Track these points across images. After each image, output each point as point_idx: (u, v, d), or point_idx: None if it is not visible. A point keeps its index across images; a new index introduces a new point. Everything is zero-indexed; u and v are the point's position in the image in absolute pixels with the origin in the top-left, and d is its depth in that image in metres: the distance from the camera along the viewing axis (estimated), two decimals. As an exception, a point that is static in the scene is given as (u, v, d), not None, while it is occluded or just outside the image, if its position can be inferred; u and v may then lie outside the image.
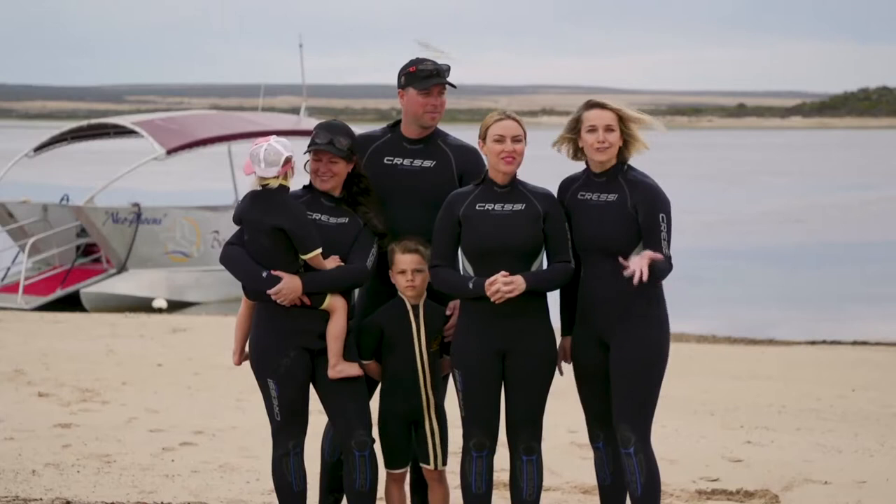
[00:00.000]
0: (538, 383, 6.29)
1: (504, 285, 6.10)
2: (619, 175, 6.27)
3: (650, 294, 6.23)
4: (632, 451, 6.18)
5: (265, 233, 6.24)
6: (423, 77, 6.54)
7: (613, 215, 6.22)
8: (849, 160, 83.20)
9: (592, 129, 6.24)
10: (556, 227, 6.26)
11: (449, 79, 6.59)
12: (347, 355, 6.34)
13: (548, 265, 6.30)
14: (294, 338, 6.29)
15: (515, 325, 6.24)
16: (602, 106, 6.25)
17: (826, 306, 22.70)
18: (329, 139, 6.31)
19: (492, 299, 6.12)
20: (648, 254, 6.06)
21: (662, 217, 6.19)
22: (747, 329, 19.72)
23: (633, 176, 6.27)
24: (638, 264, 6.02)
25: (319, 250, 6.24)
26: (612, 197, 6.25)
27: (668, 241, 6.21)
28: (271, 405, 6.34)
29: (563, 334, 6.44)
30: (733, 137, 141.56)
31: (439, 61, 6.61)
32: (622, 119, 6.26)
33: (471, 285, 6.19)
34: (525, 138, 6.29)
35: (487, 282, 6.13)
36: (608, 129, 6.23)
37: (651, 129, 6.36)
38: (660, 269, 6.10)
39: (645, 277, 6.00)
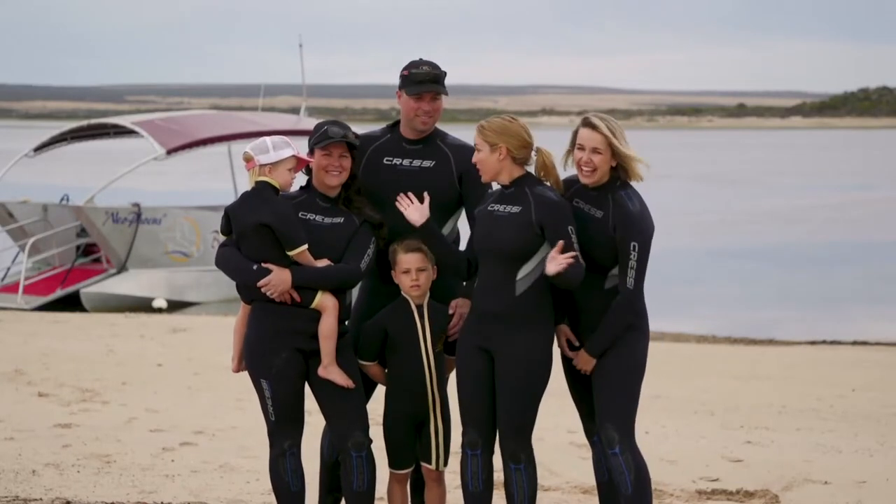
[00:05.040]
0: (523, 390, 6.22)
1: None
2: (610, 192, 6.23)
3: None
4: (618, 451, 6.19)
5: (252, 230, 6.25)
6: (416, 82, 6.54)
7: (596, 233, 6.20)
8: (849, 160, 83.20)
9: (580, 148, 6.23)
10: (553, 232, 6.13)
11: (447, 82, 6.59)
12: (345, 358, 6.34)
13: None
14: (286, 338, 6.29)
15: (497, 327, 6.21)
16: (593, 127, 6.20)
17: (826, 306, 22.70)
18: (343, 133, 6.34)
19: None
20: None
21: (634, 246, 6.14)
22: (747, 329, 19.72)
23: (621, 197, 6.20)
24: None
25: (305, 247, 6.24)
26: (598, 213, 6.23)
27: (638, 273, 6.15)
28: (266, 405, 6.35)
29: (559, 322, 6.38)
30: (733, 137, 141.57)
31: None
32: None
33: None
34: (492, 145, 6.22)
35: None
36: (594, 151, 6.19)
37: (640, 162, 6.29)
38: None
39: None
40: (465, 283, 6.54)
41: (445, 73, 6.61)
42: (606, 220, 6.19)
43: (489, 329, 6.23)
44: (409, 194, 6.38)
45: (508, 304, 6.19)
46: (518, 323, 6.20)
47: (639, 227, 6.16)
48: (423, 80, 6.53)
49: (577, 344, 6.33)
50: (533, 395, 6.24)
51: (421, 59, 6.62)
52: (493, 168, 6.25)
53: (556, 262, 6.03)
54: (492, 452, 6.37)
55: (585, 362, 6.26)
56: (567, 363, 6.42)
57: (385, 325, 6.46)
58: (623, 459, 6.19)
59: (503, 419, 6.26)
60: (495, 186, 6.43)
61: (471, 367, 6.29)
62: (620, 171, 6.24)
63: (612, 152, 6.19)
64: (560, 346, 6.38)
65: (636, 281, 6.17)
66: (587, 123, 6.22)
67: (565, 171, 6.39)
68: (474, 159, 6.30)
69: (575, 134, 6.28)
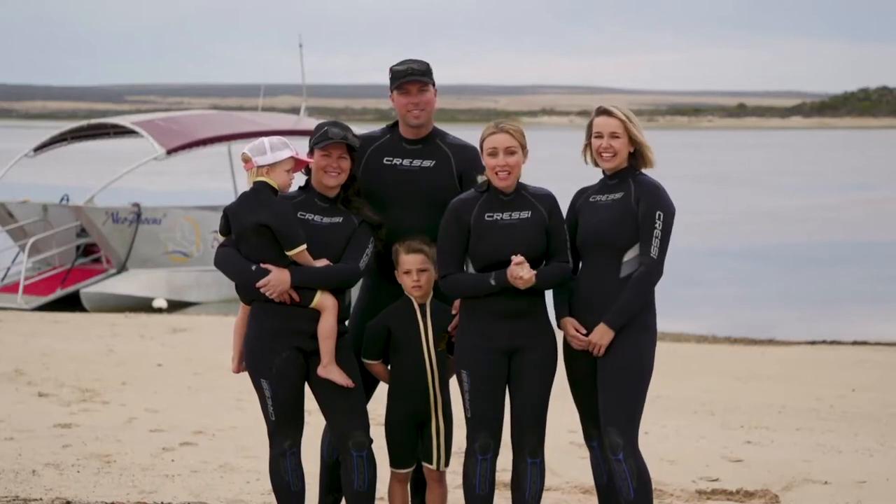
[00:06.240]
0: (543, 384, 6.30)
1: (524, 271, 6.09)
2: (630, 177, 6.31)
3: None
4: (621, 457, 6.18)
5: (251, 230, 6.25)
6: (398, 77, 6.58)
7: (616, 212, 6.25)
8: (849, 160, 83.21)
9: (599, 136, 6.30)
10: (557, 228, 6.28)
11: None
12: (344, 357, 6.34)
13: (547, 264, 6.30)
14: (286, 338, 6.29)
15: (522, 326, 6.26)
16: (608, 113, 6.28)
17: (826, 306, 22.71)
18: (343, 134, 6.34)
19: (517, 285, 6.12)
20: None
21: (659, 215, 6.19)
22: (747, 329, 19.72)
23: (643, 177, 6.32)
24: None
25: (304, 247, 6.24)
26: (618, 195, 6.29)
27: (662, 244, 6.19)
28: (266, 405, 6.35)
29: (564, 316, 6.37)
30: (733, 137, 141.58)
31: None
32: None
33: (493, 281, 6.18)
34: (523, 148, 6.27)
35: (511, 272, 6.12)
36: (613, 135, 6.26)
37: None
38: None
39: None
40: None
41: (429, 65, 6.63)
42: (627, 198, 6.24)
43: (516, 329, 6.24)
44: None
45: (533, 303, 6.25)
46: (540, 320, 6.29)
47: (664, 199, 6.23)
48: (405, 73, 6.56)
49: (583, 332, 6.31)
50: (550, 389, 6.32)
51: (405, 59, 6.67)
52: (520, 173, 6.30)
53: (524, 280, 6.12)
54: (497, 454, 6.37)
55: (602, 336, 6.19)
56: (569, 364, 6.41)
57: (388, 324, 6.46)
58: (626, 466, 6.18)
59: (528, 415, 6.27)
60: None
61: (486, 371, 6.26)
62: (638, 160, 6.32)
63: (629, 137, 6.26)
64: (570, 336, 6.34)
65: (660, 251, 6.19)
66: (602, 111, 6.32)
67: (587, 164, 6.43)
68: (510, 162, 6.21)
69: (590, 126, 6.35)
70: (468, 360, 6.29)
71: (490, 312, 6.25)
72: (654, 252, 6.19)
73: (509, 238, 6.21)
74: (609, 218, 6.24)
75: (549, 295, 6.39)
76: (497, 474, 6.45)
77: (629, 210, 6.23)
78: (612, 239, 6.23)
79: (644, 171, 6.37)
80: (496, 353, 6.26)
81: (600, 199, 6.33)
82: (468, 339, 6.30)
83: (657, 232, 6.19)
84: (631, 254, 6.24)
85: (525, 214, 6.26)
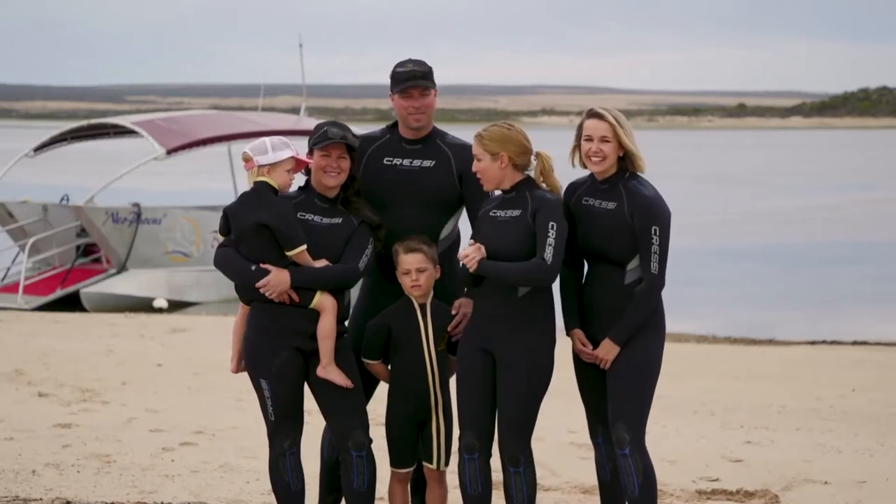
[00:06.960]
0: (524, 392, 6.22)
1: (466, 250, 6.16)
2: (621, 183, 6.27)
3: None
4: (627, 452, 6.19)
5: (251, 230, 6.26)
6: (401, 80, 6.56)
7: (611, 224, 6.22)
8: (849, 160, 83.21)
9: (588, 139, 6.26)
10: (539, 228, 6.14)
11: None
12: (344, 358, 6.34)
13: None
14: (286, 338, 6.29)
15: (503, 328, 6.22)
16: (599, 116, 6.25)
17: (826, 306, 22.71)
18: (342, 134, 6.34)
19: (466, 264, 6.17)
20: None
21: (655, 230, 6.16)
22: (747, 329, 19.72)
23: (634, 185, 6.25)
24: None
25: (304, 247, 6.24)
26: (611, 205, 6.25)
27: (661, 257, 6.17)
28: (265, 405, 6.35)
29: (573, 327, 6.38)
30: (733, 137, 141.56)
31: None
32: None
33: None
34: (493, 154, 6.21)
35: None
36: (603, 139, 6.23)
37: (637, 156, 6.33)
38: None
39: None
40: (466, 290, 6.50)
41: (431, 69, 6.62)
42: (621, 210, 6.20)
43: (491, 330, 6.24)
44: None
45: (511, 306, 6.21)
46: (520, 324, 6.22)
47: (658, 211, 6.18)
48: (407, 77, 6.55)
49: (590, 349, 6.33)
50: (534, 397, 6.24)
51: (408, 59, 6.64)
52: (496, 177, 6.27)
53: (465, 259, 6.16)
54: (489, 455, 6.36)
55: (608, 351, 6.22)
56: (577, 361, 6.42)
57: (388, 324, 6.47)
58: (633, 461, 6.20)
59: (504, 421, 6.26)
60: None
61: (471, 369, 6.29)
62: (628, 163, 6.28)
63: (618, 142, 6.23)
64: (577, 350, 6.37)
65: (660, 265, 6.18)
66: (593, 114, 6.28)
67: (574, 167, 6.41)
68: (474, 168, 6.30)
69: (580, 127, 6.31)
70: (458, 358, 6.35)
71: (480, 312, 6.28)
72: (653, 268, 6.19)
73: (495, 233, 6.22)
74: (606, 233, 6.22)
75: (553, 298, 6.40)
76: (495, 474, 6.45)
77: (624, 224, 6.20)
78: (613, 254, 6.24)
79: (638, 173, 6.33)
80: (481, 352, 6.28)
81: (594, 204, 6.29)
82: (463, 336, 6.36)
83: (654, 248, 6.18)
84: (634, 263, 6.24)
85: (515, 213, 6.25)
